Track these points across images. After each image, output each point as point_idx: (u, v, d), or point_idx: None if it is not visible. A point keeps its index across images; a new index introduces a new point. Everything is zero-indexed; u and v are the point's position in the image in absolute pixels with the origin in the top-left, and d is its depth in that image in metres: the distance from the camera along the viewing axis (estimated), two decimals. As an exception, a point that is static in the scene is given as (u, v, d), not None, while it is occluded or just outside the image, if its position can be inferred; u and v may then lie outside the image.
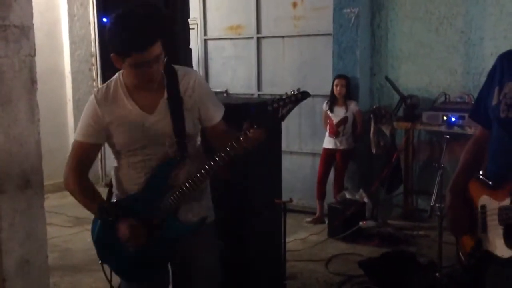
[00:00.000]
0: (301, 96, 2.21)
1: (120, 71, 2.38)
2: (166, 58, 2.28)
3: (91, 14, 7.80)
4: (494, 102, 2.13)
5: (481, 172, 2.23)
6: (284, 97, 2.21)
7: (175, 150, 2.37)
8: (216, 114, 2.47)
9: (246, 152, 2.26)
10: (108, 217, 2.33)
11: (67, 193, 2.46)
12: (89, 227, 2.49)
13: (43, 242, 3.25)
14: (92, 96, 2.37)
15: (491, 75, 2.22)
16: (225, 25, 6.99)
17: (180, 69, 2.40)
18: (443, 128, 5.32)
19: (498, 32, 5.41)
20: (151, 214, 2.34)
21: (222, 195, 3.38)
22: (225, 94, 6.97)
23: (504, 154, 2.10)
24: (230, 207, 3.59)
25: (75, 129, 7.55)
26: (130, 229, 2.29)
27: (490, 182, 2.13)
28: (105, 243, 2.41)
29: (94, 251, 2.50)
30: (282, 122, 3.69)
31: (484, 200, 2.12)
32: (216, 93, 6.90)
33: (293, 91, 2.24)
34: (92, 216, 2.45)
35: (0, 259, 3.05)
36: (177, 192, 2.34)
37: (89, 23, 7.85)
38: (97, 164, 7.45)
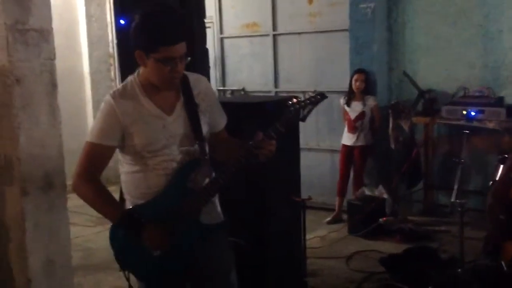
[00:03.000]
0: (320, 97, 2.33)
1: (135, 73, 2.38)
2: (189, 59, 2.29)
3: (108, 14, 7.86)
4: None
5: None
6: (303, 99, 2.31)
7: (194, 151, 2.38)
8: (222, 121, 2.54)
9: (258, 161, 2.31)
10: (130, 224, 2.29)
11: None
12: (110, 226, 2.43)
13: (67, 242, 3.30)
14: (109, 97, 2.33)
15: None
16: (241, 23, 7.00)
17: (190, 74, 2.43)
18: (462, 123, 5.27)
19: (506, 24, 5.35)
20: (173, 218, 2.32)
21: (242, 193, 3.42)
22: (242, 92, 6.98)
23: None
24: (249, 205, 3.62)
25: (95, 129, 7.68)
26: (154, 234, 2.28)
27: None
28: (127, 250, 2.36)
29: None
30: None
31: None
32: (233, 91, 7.01)
33: (312, 92, 2.35)
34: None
35: (25, 260, 3.10)
36: (200, 194, 2.35)
37: (107, 23, 7.92)
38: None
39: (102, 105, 2.35)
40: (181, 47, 2.21)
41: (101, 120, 2.32)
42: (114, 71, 7.98)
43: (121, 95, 2.32)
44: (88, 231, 5.74)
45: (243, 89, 7.00)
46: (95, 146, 2.32)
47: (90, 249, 5.28)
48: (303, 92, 2.46)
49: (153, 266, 2.37)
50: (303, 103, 2.31)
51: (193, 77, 2.43)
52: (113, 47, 7.91)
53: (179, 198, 2.34)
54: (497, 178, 4.01)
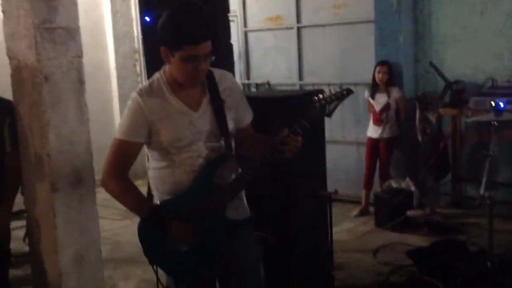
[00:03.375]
0: (346, 93, 2.33)
1: (161, 70, 2.41)
2: (214, 58, 2.31)
3: (133, 10, 7.92)
4: None
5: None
6: (329, 94, 2.31)
7: (220, 148, 2.40)
8: (248, 116, 2.55)
9: (284, 157, 2.32)
10: (157, 219, 2.32)
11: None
12: (138, 219, 2.45)
13: (96, 237, 3.35)
14: (135, 94, 2.36)
15: None
16: (265, 16, 6.99)
17: (215, 70, 2.44)
18: (491, 114, 5.19)
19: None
20: (200, 214, 2.34)
21: (267, 188, 3.42)
22: (266, 86, 6.98)
23: None
24: (275, 199, 3.62)
25: (121, 125, 7.76)
26: (181, 230, 2.31)
27: None
28: (155, 245, 2.39)
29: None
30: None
31: None
32: (258, 84, 7.01)
33: (338, 87, 2.35)
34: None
35: (56, 254, 3.16)
36: (226, 190, 2.37)
37: (132, 19, 7.98)
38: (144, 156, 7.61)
39: (129, 102, 2.38)
40: (205, 46, 2.23)
41: (128, 117, 2.36)
42: (140, 66, 8.04)
43: (147, 92, 2.35)
44: (116, 225, 5.83)
45: (267, 83, 6.99)
46: (123, 142, 2.35)
47: (119, 243, 5.36)
48: (328, 85, 2.48)
49: (180, 261, 2.39)
50: (329, 99, 2.30)
51: (218, 73, 2.45)
52: (138, 43, 7.97)
53: (206, 194, 2.36)
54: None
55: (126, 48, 7.97)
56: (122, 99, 7.80)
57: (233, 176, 2.41)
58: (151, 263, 2.52)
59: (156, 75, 2.41)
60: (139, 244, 2.42)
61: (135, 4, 7.85)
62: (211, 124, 2.37)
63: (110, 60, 7.89)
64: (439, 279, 3.99)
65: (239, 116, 2.50)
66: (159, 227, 2.33)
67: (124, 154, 2.37)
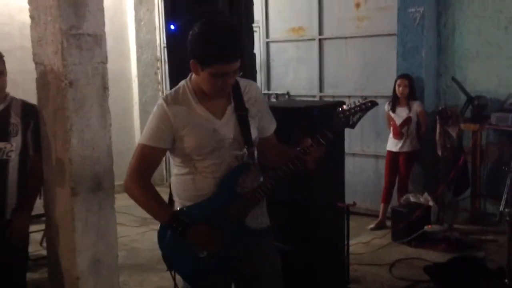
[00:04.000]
0: (371, 104, 2.34)
1: (188, 78, 2.44)
2: (241, 73, 2.35)
3: (157, 19, 8.02)
4: None
5: None
6: (353, 106, 2.33)
7: (243, 156, 2.41)
8: (272, 126, 2.57)
9: (306, 167, 2.33)
10: (179, 226, 2.33)
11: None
12: (155, 227, 2.49)
13: (114, 242, 3.37)
14: (161, 101, 2.39)
15: None
16: (287, 27, 7.02)
17: (241, 80, 2.47)
18: (512, 129, 5.15)
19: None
20: (221, 220, 2.36)
21: (285, 198, 3.42)
22: (286, 96, 6.99)
23: None
24: (293, 210, 3.62)
25: (141, 131, 7.82)
26: (201, 236, 2.33)
27: None
28: (174, 250, 2.41)
29: (159, 251, 2.50)
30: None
31: None
32: (278, 95, 7.03)
33: (362, 99, 2.37)
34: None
35: (74, 258, 3.19)
36: (247, 199, 2.38)
37: (155, 27, 8.07)
38: (162, 164, 7.67)
39: (155, 108, 2.41)
40: (236, 64, 2.26)
41: (153, 123, 2.38)
42: (161, 74, 8.12)
43: (173, 99, 2.38)
44: (133, 231, 5.86)
45: (287, 93, 7.01)
46: (147, 148, 2.38)
47: (135, 249, 5.39)
48: (348, 97, 2.48)
49: (198, 267, 2.40)
50: (353, 110, 2.32)
51: (244, 82, 2.47)
52: (160, 51, 8.05)
53: (227, 202, 2.37)
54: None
55: (149, 56, 8.06)
56: (143, 107, 7.89)
57: (255, 184, 2.42)
58: (169, 268, 2.53)
59: (182, 83, 2.44)
60: (156, 251, 2.44)
61: (159, 13, 7.94)
62: (235, 132, 2.39)
63: (132, 67, 7.99)
64: (457, 295, 3.95)
65: (263, 125, 2.51)
66: (179, 233, 2.34)
67: (147, 160, 2.39)
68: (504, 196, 4.21)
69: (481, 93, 5.64)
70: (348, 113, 2.32)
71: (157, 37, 8.08)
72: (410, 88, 5.69)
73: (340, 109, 2.32)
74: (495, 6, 5.62)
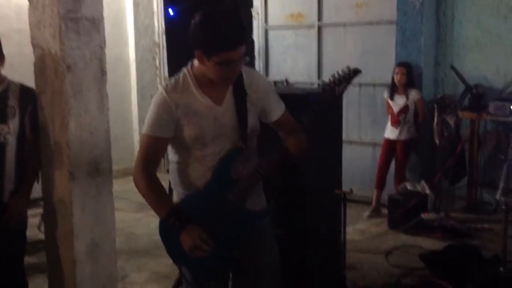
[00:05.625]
0: (353, 73, 2.39)
1: (188, 65, 2.42)
2: (248, 59, 2.35)
3: (155, 3, 7.96)
4: None
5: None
6: (337, 76, 2.38)
7: (238, 141, 2.41)
8: (281, 106, 2.55)
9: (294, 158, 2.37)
10: (176, 223, 2.32)
11: (131, 178, 2.45)
12: (152, 212, 2.47)
13: (112, 227, 3.37)
14: (161, 89, 2.38)
15: None
16: (286, 14, 6.99)
17: (243, 68, 2.45)
18: (510, 119, 5.15)
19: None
20: (220, 209, 2.36)
21: (281, 185, 3.42)
22: (285, 83, 6.98)
23: None
24: (289, 197, 3.63)
25: (139, 116, 7.83)
26: (195, 240, 2.30)
27: None
28: (175, 244, 2.38)
29: (157, 237, 2.50)
30: (342, 111, 3.76)
31: None
32: (276, 82, 7.01)
33: (346, 68, 2.41)
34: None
35: (72, 242, 3.19)
36: (244, 183, 2.38)
37: (153, 12, 8.02)
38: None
39: (155, 97, 2.40)
40: (241, 50, 2.25)
41: (154, 113, 2.37)
42: (159, 60, 8.09)
43: (173, 88, 2.37)
44: (130, 217, 5.87)
45: (286, 81, 6.99)
46: (151, 138, 2.37)
47: (133, 234, 5.40)
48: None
49: (202, 260, 2.38)
50: (337, 81, 2.36)
51: (245, 69, 2.46)
52: (159, 36, 8.01)
53: (224, 189, 2.37)
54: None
55: (147, 41, 8.02)
56: (141, 92, 7.87)
57: (250, 168, 2.41)
58: (175, 262, 2.52)
59: (184, 71, 2.42)
60: (153, 237, 2.44)
61: (157, -3, 7.89)
62: (233, 117, 2.39)
63: (130, 52, 7.94)
64: (451, 283, 3.98)
65: (272, 106, 2.50)
66: (177, 229, 2.34)
67: (152, 150, 2.39)
68: (501, 185, 4.24)
69: (480, 82, 5.66)
70: (333, 84, 2.36)
71: (156, 22, 8.03)
72: (407, 76, 5.69)
73: (327, 82, 2.38)
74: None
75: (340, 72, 2.38)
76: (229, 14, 2.28)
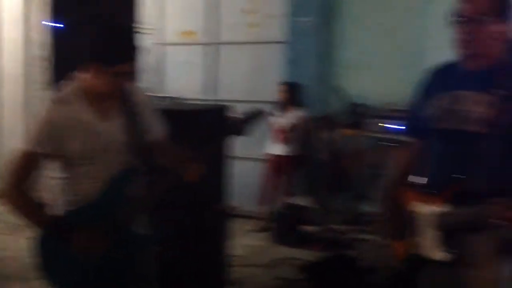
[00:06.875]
0: (254, 115, 2.64)
1: (75, 79, 2.37)
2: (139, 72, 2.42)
3: (39, 17, 7.66)
4: (430, 113, 2.26)
5: (414, 180, 2.36)
6: (242, 116, 2.57)
7: (130, 160, 2.38)
8: (159, 130, 2.54)
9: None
10: (62, 230, 2.27)
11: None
12: (27, 234, 2.38)
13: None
14: (46, 103, 2.32)
15: (424, 89, 2.37)
16: (180, 31, 7.03)
17: (131, 84, 2.46)
18: (387, 136, 5.46)
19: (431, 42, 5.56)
20: (106, 226, 2.30)
21: (168, 201, 3.40)
22: (178, 100, 6.96)
23: (439, 163, 2.26)
24: (173, 213, 3.60)
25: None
26: (86, 239, 2.25)
27: (427, 190, 2.26)
28: (57, 259, 2.32)
29: (30, 259, 2.38)
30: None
31: (419, 206, 2.25)
32: (170, 98, 6.98)
33: (251, 109, 2.64)
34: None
35: None
36: (134, 203, 2.36)
37: (37, 26, 7.70)
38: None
39: (39, 111, 2.33)
40: (134, 63, 2.30)
41: (38, 127, 2.30)
42: (43, 73, 7.77)
43: (59, 101, 2.32)
44: (3, 239, 5.52)
45: (179, 97, 6.97)
46: (30, 153, 2.29)
47: (5, 258, 5.06)
48: (238, 102, 2.70)
49: (84, 275, 2.32)
50: (240, 121, 2.54)
51: (131, 86, 2.44)
52: (41, 49, 7.70)
53: (113, 207, 2.33)
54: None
55: (29, 54, 7.68)
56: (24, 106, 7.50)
57: (142, 189, 2.39)
58: (48, 278, 2.38)
59: (70, 84, 2.37)
60: (26, 260, 2.31)
61: (42, 11, 7.60)
62: (122, 134, 2.36)
63: (12, 65, 7.58)
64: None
65: (150, 129, 2.49)
66: (62, 239, 2.27)
67: (29, 165, 2.30)
68: (376, 198, 4.46)
69: (362, 101, 5.94)
70: (236, 121, 2.56)
71: (36, 35, 7.71)
72: (290, 94, 5.90)
73: (229, 121, 2.54)
74: (377, 18, 5.95)
75: (245, 113, 2.60)
76: (123, 29, 2.41)
